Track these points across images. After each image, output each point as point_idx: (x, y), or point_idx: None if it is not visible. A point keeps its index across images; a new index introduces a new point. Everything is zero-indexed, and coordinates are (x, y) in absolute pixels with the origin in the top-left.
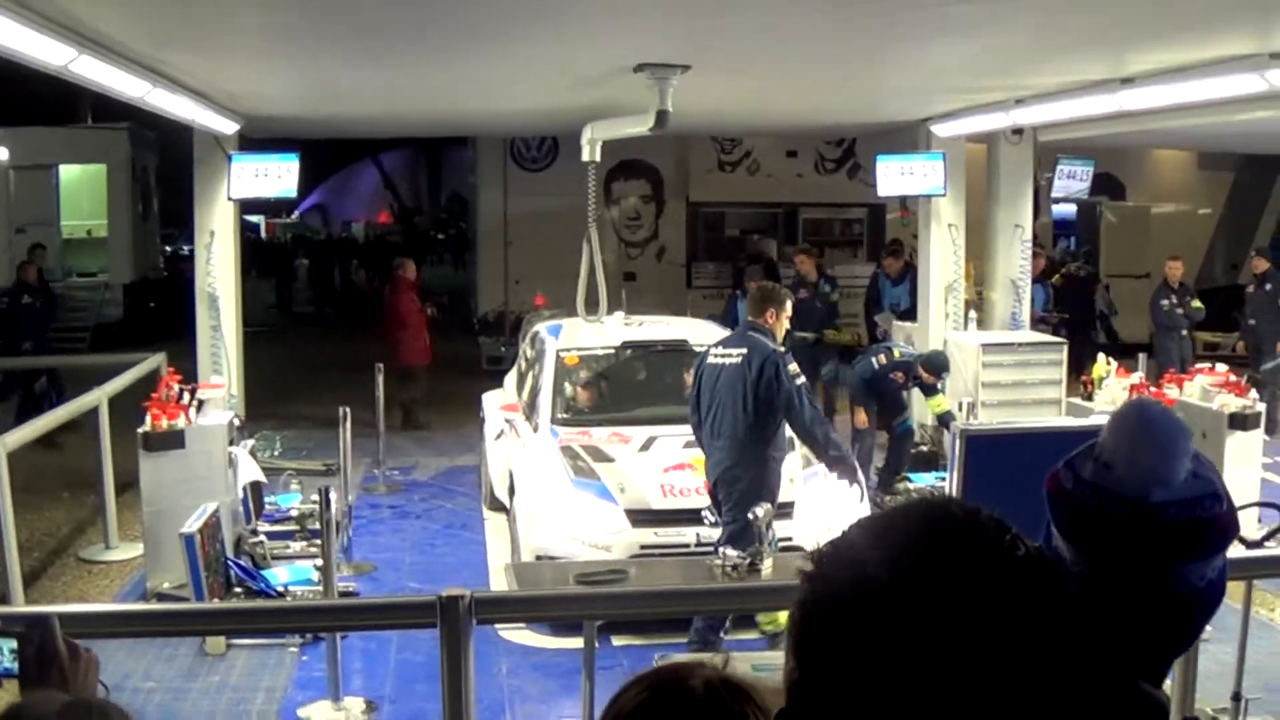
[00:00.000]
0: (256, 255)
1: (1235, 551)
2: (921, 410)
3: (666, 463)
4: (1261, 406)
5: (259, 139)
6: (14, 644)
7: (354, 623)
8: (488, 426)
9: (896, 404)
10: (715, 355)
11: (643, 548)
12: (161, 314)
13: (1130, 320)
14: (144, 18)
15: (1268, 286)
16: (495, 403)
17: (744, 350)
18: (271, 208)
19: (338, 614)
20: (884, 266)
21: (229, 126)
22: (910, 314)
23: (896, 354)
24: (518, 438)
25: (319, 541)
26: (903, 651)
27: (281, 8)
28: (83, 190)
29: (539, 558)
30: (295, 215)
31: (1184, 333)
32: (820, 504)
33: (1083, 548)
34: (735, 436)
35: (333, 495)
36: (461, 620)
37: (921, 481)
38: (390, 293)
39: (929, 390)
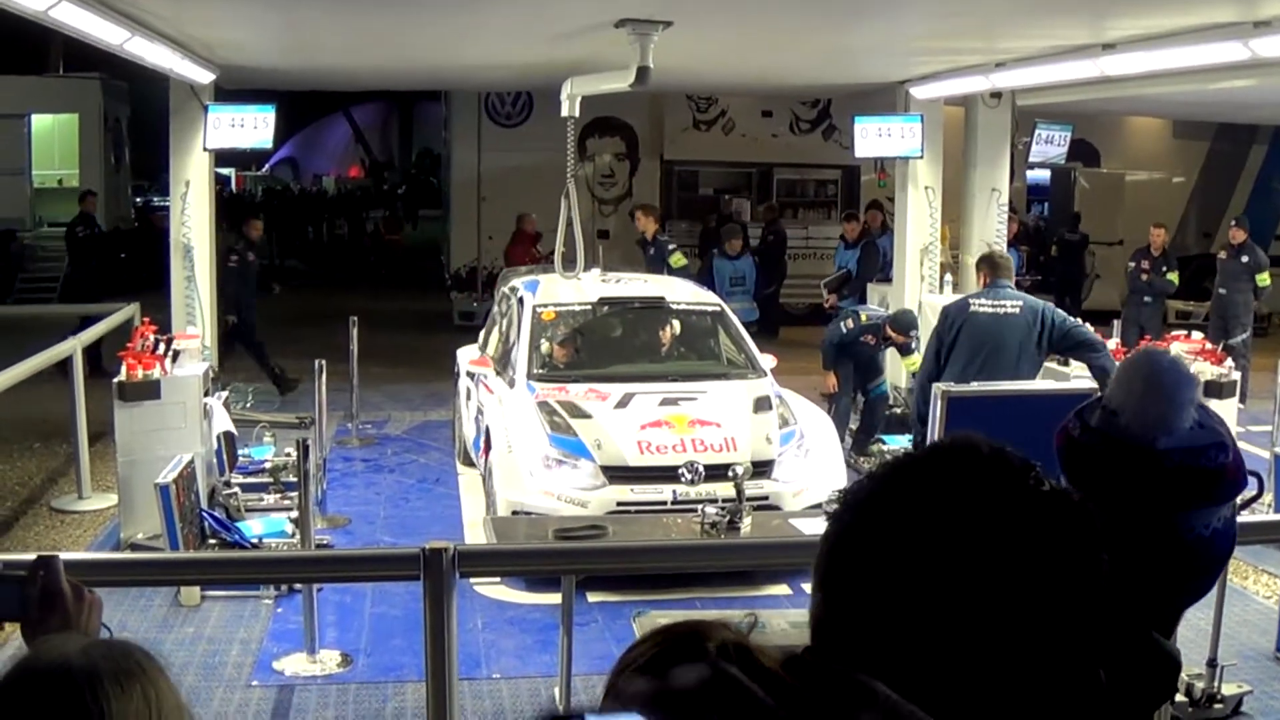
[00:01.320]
0: (229, 209)
1: None
2: (895, 373)
3: (644, 420)
4: (1237, 375)
5: (233, 90)
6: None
7: (337, 574)
8: (462, 382)
9: (871, 367)
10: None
11: (619, 504)
12: (133, 265)
13: (1102, 286)
14: None
15: (1244, 258)
16: (469, 358)
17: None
18: (242, 160)
19: (321, 565)
20: (844, 231)
21: (205, 76)
22: (855, 279)
23: (864, 317)
24: (491, 393)
25: (292, 494)
26: (927, 584)
27: None
28: (54, 140)
29: (515, 513)
30: (266, 168)
31: (1145, 299)
32: (797, 464)
33: (1090, 494)
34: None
35: (310, 447)
36: (445, 573)
37: (895, 443)
38: (510, 244)
39: (905, 350)
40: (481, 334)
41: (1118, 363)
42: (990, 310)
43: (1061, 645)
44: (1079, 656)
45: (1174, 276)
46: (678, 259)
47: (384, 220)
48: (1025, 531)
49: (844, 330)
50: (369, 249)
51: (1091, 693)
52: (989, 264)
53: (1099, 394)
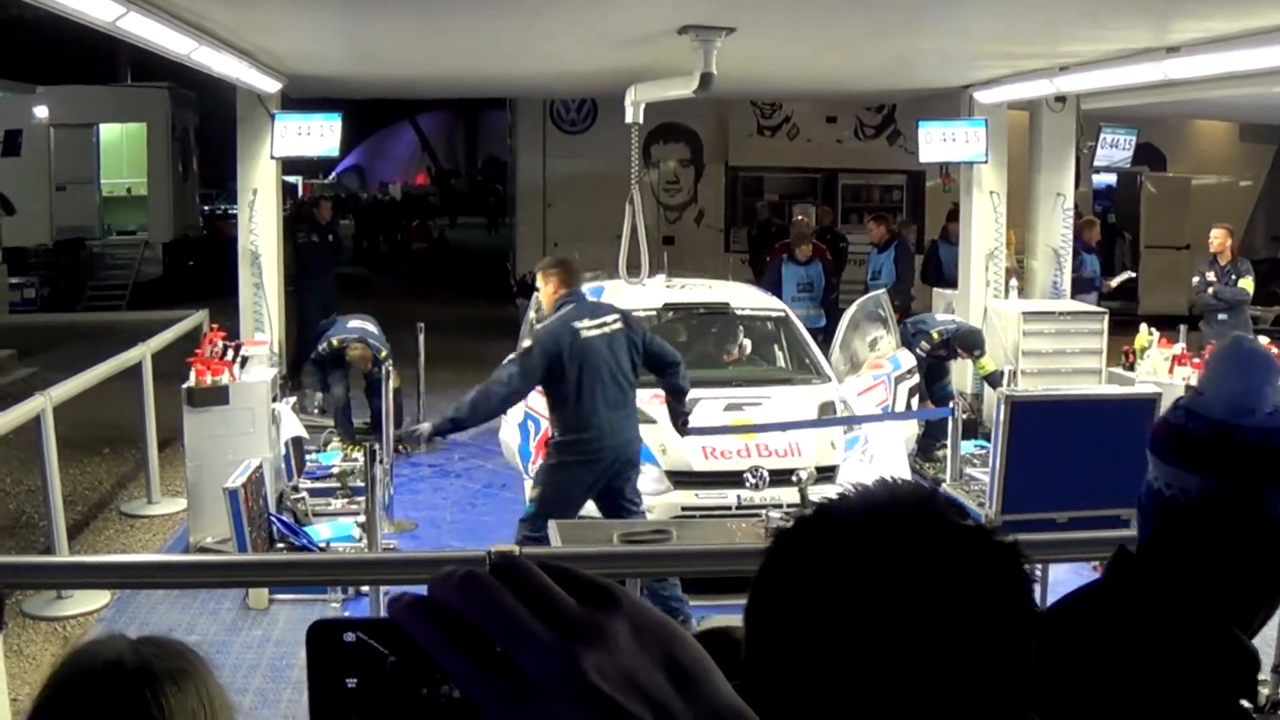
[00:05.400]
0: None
1: None
2: (961, 378)
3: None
4: None
5: (299, 99)
6: None
7: (404, 577)
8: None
9: (938, 370)
10: None
11: (684, 509)
12: (201, 272)
13: (1166, 292)
14: None
15: None
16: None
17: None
18: (309, 168)
19: (388, 568)
20: (871, 236)
21: (272, 85)
22: (895, 286)
23: (936, 335)
24: None
25: (359, 499)
26: (842, 636)
27: None
28: (123, 149)
29: (580, 517)
30: (333, 176)
31: (1220, 316)
32: (861, 469)
33: (1175, 465)
34: None
35: (376, 452)
36: None
37: (961, 449)
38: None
39: (977, 357)
40: None
41: None
42: (597, 332)
43: (983, 693)
44: (1002, 702)
45: (1247, 283)
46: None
47: (415, 228)
48: (949, 573)
49: (923, 355)
50: (405, 258)
51: None
52: (563, 271)
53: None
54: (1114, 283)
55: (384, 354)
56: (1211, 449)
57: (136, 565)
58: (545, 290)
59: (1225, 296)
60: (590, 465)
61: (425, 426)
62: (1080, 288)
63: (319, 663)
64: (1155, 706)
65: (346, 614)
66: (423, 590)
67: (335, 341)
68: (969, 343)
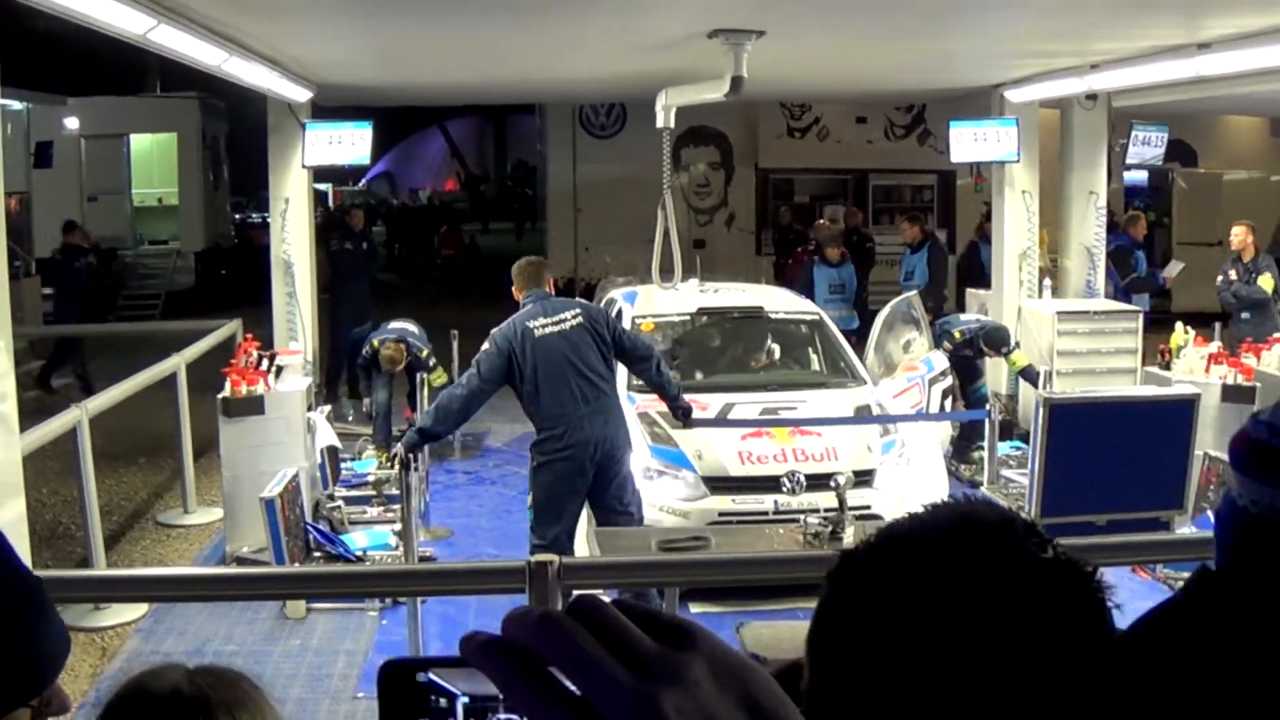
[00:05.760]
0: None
1: None
2: (995, 379)
3: (744, 430)
4: None
5: (330, 107)
6: None
7: (442, 588)
8: None
9: (971, 371)
10: None
11: (720, 514)
12: (232, 281)
13: (1199, 289)
14: None
15: None
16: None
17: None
18: (339, 175)
19: (427, 579)
20: (904, 236)
21: (302, 94)
22: (928, 288)
23: (958, 334)
24: None
25: (395, 507)
26: (914, 664)
27: None
28: (153, 159)
29: (596, 524)
30: (363, 183)
31: (1243, 315)
32: (899, 472)
33: (1261, 481)
34: None
35: (411, 461)
36: (550, 586)
37: (1002, 450)
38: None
39: (1008, 354)
40: None
41: None
42: (554, 328)
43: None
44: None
45: (1265, 281)
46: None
47: (444, 234)
48: (1024, 603)
49: (945, 352)
50: (435, 264)
51: None
52: (524, 273)
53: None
54: (1173, 273)
55: (425, 353)
56: None
57: (177, 579)
58: (515, 292)
59: (1242, 295)
60: (565, 463)
61: (399, 447)
62: (1138, 287)
63: (391, 704)
64: None
65: (418, 654)
66: (462, 599)
67: (376, 343)
68: (993, 340)
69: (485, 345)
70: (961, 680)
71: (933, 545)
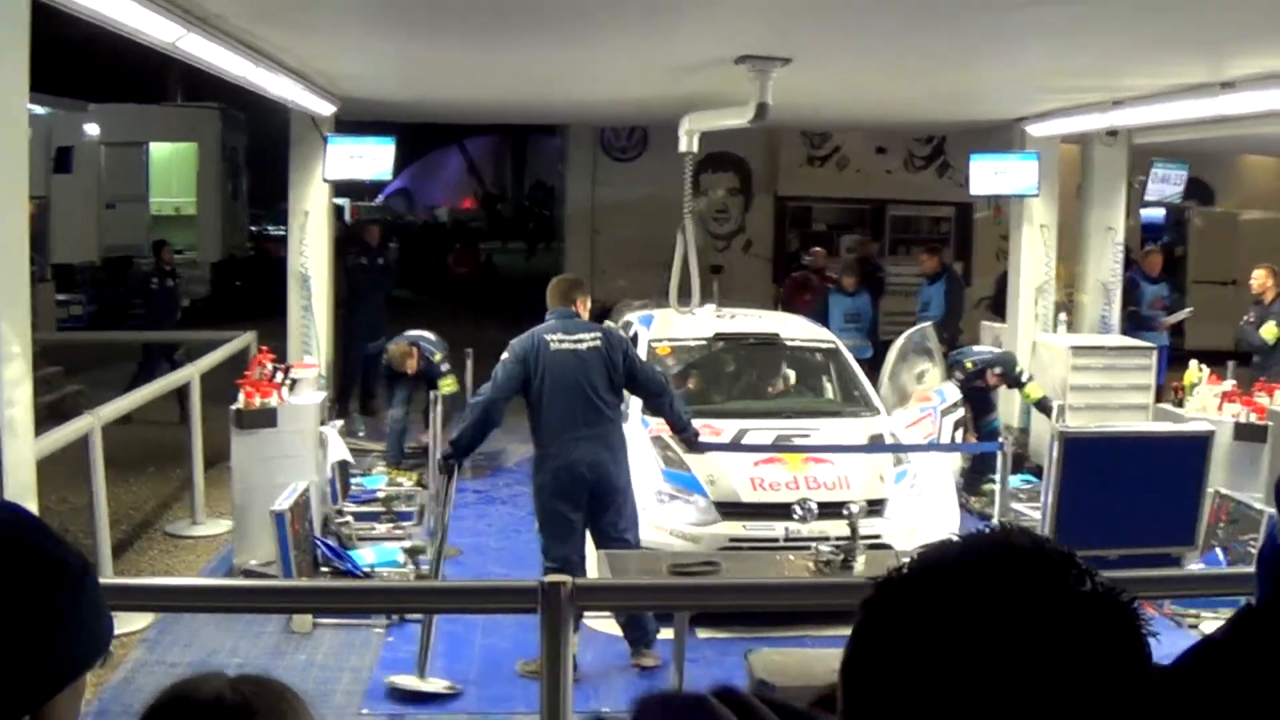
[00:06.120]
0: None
1: None
2: (1008, 412)
3: (757, 456)
4: None
5: (350, 121)
6: None
7: (456, 605)
8: None
9: (984, 404)
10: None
11: (731, 540)
12: (248, 293)
13: (1214, 326)
14: None
15: None
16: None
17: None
18: (356, 191)
19: (441, 596)
20: (922, 267)
21: (326, 108)
22: (944, 320)
23: (969, 364)
24: None
25: (404, 524)
26: (950, 695)
27: None
28: (172, 168)
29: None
30: (380, 199)
31: (1254, 359)
32: (910, 502)
33: None
34: None
35: (454, 472)
36: (563, 606)
37: (1015, 483)
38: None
39: (1019, 382)
40: None
41: None
42: (570, 346)
43: None
44: None
45: (1269, 331)
46: (447, 384)
47: (459, 251)
48: (1062, 637)
49: (957, 384)
50: (449, 281)
51: None
52: (555, 290)
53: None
54: (1170, 321)
55: (438, 357)
56: None
57: (183, 589)
58: (548, 306)
59: (1243, 338)
60: (558, 482)
61: (439, 459)
62: (1136, 321)
63: None
64: None
65: None
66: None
67: (391, 347)
68: (1003, 367)
69: (504, 354)
70: (997, 712)
71: (970, 574)
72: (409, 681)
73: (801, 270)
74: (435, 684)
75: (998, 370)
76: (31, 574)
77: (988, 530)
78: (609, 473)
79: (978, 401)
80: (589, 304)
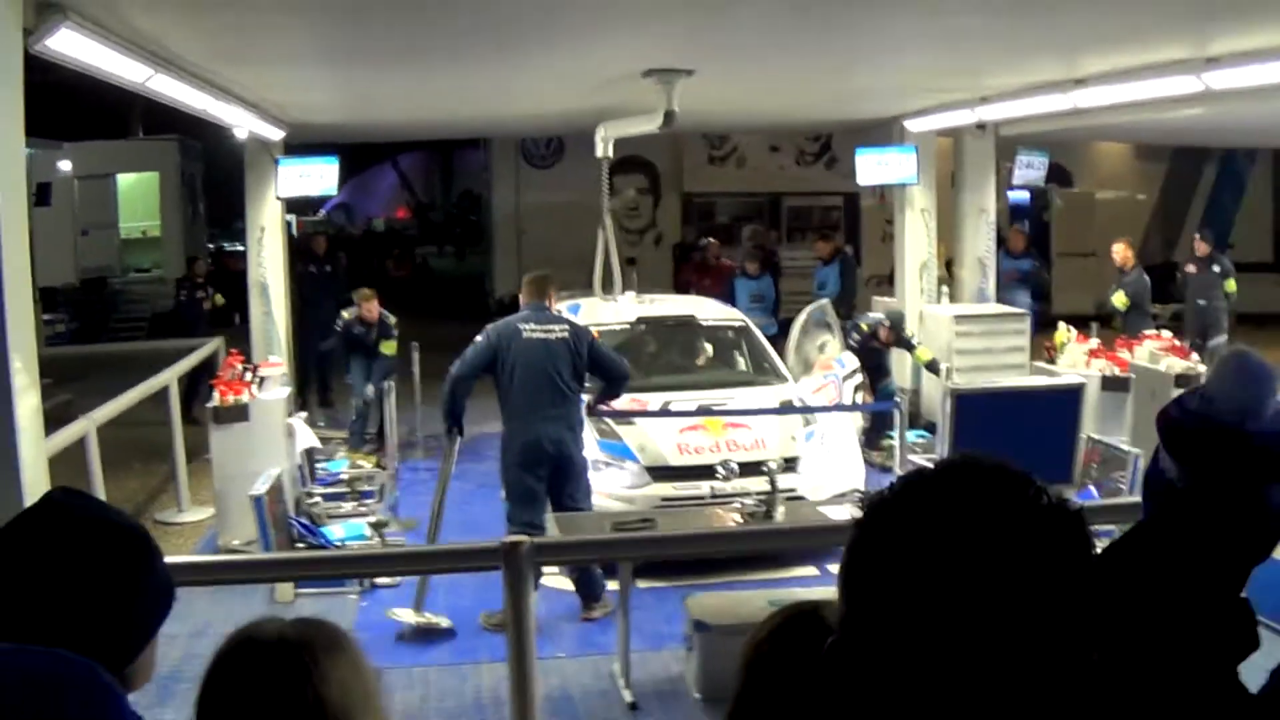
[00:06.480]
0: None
1: None
2: (900, 374)
3: (682, 423)
4: (1203, 368)
5: (298, 144)
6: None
7: (426, 568)
8: None
9: (880, 370)
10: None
11: (663, 499)
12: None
13: (1076, 294)
14: (209, 36)
15: (1215, 268)
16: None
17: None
18: (300, 206)
19: (412, 560)
20: (817, 251)
21: (276, 134)
22: (840, 297)
23: (864, 326)
24: None
25: (368, 502)
26: (936, 588)
27: (324, 25)
28: (138, 195)
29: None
30: (322, 213)
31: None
32: (819, 459)
33: (1188, 465)
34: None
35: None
36: (523, 563)
37: (914, 436)
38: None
39: (909, 346)
40: None
41: None
42: (541, 335)
43: (1058, 636)
44: (1074, 643)
45: (1119, 298)
46: (389, 346)
47: (394, 259)
48: (1026, 541)
49: (853, 344)
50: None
51: (1085, 672)
52: (530, 286)
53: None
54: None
55: (393, 321)
56: (1224, 451)
57: (182, 565)
58: (521, 300)
59: (1102, 303)
60: (523, 456)
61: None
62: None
63: None
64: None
65: None
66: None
67: (348, 313)
68: (892, 321)
69: (478, 336)
70: (973, 602)
71: (947, 490)
72: (406, 614)
73: (699, 254)
74: (431, 618)
75: (887, 324)
76: (112, 545)
77: (958, 456)
78: (569, 449)
79: (874, 367)
80: (556, 297)
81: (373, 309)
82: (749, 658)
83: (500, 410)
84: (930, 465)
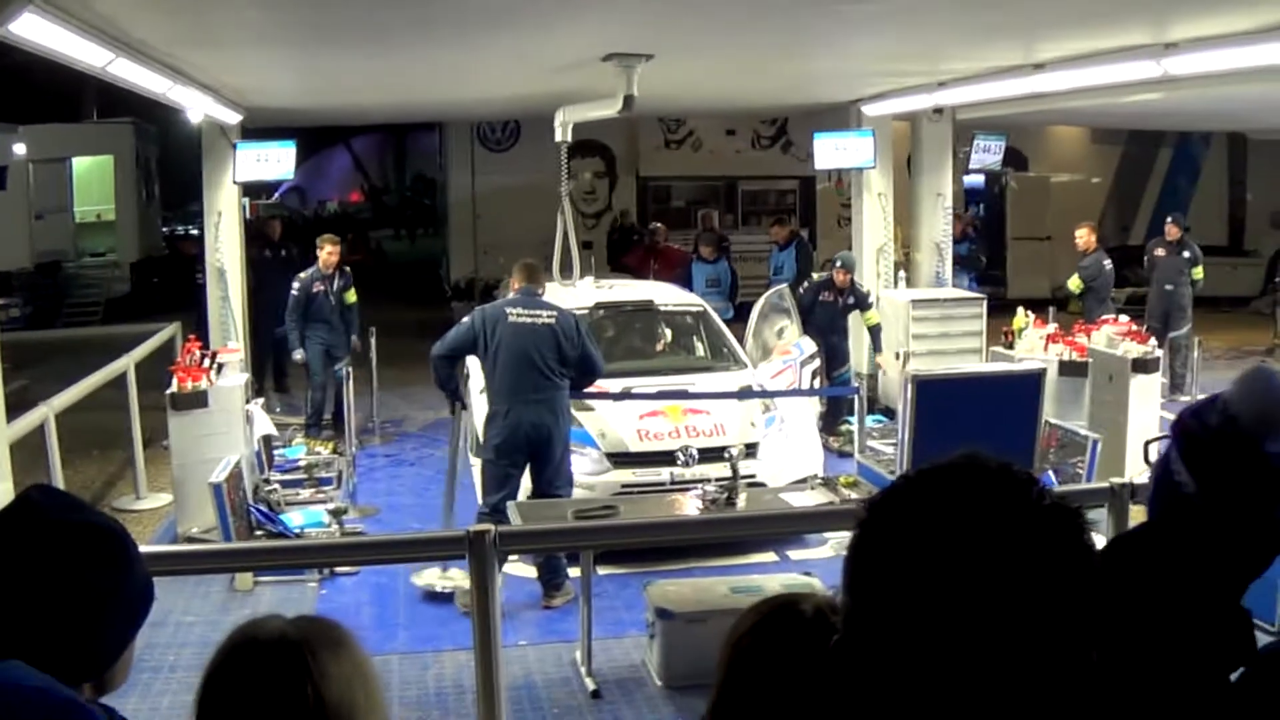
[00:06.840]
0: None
1: None
2: (857, 360)
3: (641, 409)
4: (1159, 353)
5: (254, 129)
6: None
7: (391, 556)
8: (472, 381)
9: (837, 355)
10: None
11: (624, 486)
12: (164, 288)
13: (1031, 277)
14: (169, 19)
15: (1185, 253)
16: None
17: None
18: (254, 190)
19: (376, 549)
20: (773, 236)
21: (233, 118)
22: (796, 281)
23: (815, 276)
24: None
25: (325, 488)
26: (938, 589)
27: (284, 4)
28: (93, 179)
29: (529, 498)
30: (275, 197)
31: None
32: (779, 444)
33: (1202, 478)
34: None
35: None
36: (488, 551)
37: (873, 421)
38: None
39: (864, 305)
40: None
41: None
42: (529, 320)
43: (1058, 636)
44: (1074, 643)
45: (1073, 282)
46: (351, 295)
47: (348, 242)
48: (1028, 541)
49: (801, 293)
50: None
51: (1085, 672)
52: (522, 273)
53: (1215, 395)
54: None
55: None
56: (1242, 469)
57: (144, 555)
58: (512, 285)
59: (1058, 287)
60: (504, 438)
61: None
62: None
63: None
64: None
65: None
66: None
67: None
68: (843, 261)
69: (465, 318)
70: (975, 600)
71: (950, 491)
72: (431, 577)
73: (649, 236)
74: (457, 577)
75: (839, 265)
76: (91, 548)
77: (959, 455)
78: (551, 435)
79: (832, 353)
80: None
81: (334, 255)
82: (730, 653)
83: (486, 393)
84: (932, 465)
